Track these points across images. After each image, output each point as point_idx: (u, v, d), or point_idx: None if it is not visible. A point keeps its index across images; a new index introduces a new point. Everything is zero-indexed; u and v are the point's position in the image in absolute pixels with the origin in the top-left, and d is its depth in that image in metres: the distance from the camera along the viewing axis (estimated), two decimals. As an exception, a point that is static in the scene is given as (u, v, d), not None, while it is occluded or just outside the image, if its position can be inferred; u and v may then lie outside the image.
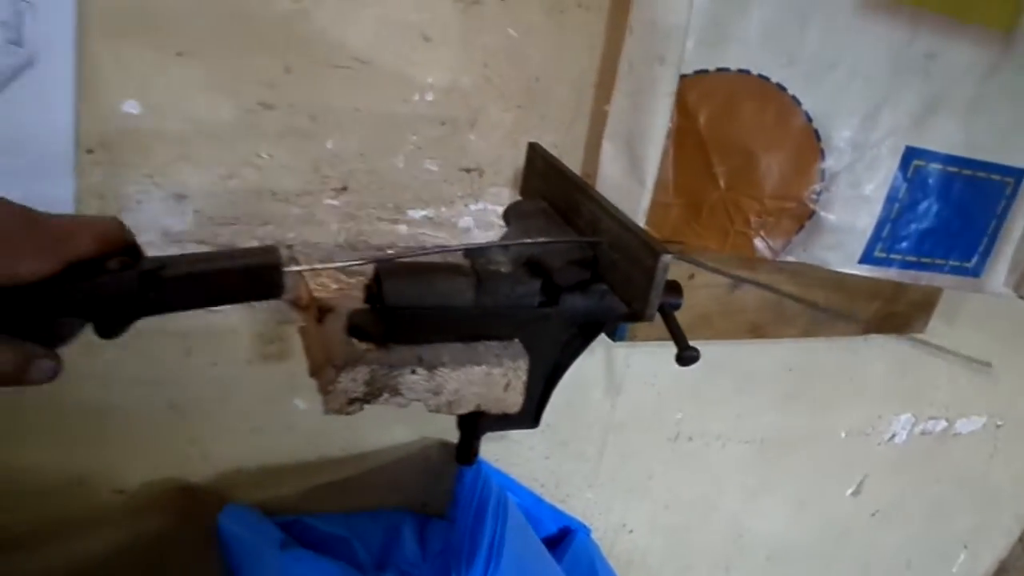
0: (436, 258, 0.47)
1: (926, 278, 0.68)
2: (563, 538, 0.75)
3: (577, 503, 0.76)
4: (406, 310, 0.45)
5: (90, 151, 0.50)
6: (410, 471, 0.68)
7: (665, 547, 0.86)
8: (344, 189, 0.56)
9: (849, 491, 0.96)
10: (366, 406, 0.46)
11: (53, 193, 0.51)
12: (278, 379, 0.60)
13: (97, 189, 0.51)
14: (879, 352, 0.86)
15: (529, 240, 0.49)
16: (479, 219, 0.61)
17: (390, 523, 0.67)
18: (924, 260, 0.66)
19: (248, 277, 0.39)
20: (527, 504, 0.72)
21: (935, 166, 0.63)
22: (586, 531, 0.76)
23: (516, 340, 0.49)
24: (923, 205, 0.64)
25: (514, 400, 0.49)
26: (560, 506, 0.74)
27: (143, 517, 0.62)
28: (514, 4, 0.55)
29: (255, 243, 0.56)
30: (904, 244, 0.65)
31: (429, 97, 0.56)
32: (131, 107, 0.50)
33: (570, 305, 0.49)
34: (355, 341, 0.46)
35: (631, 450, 0.77)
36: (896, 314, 0.81)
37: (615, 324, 0.54)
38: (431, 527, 0.68)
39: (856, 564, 1.03)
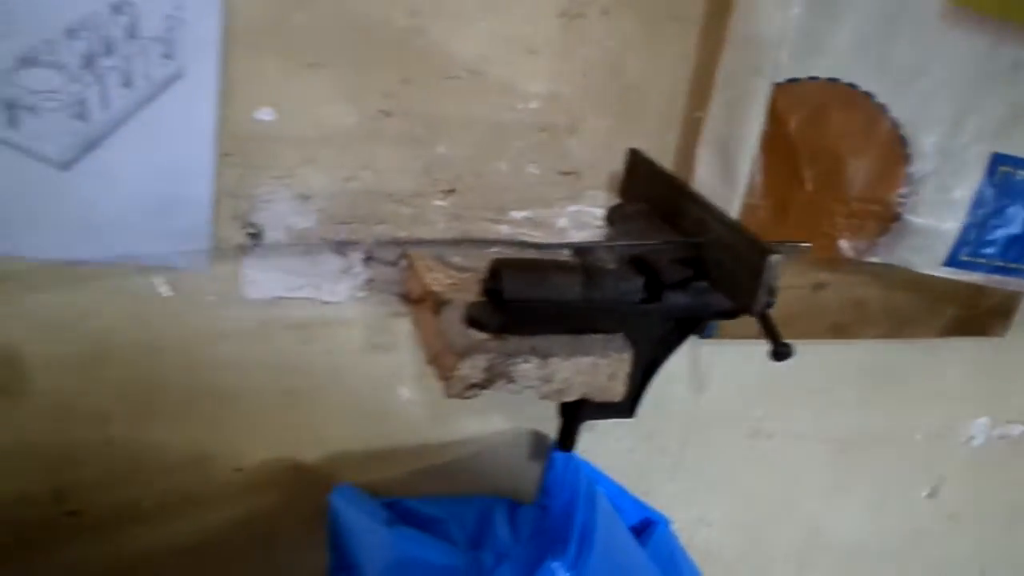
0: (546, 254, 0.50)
1: (1013, 283, 0.69)
2: (644, 529, 0.77)
3: (658, 496, 0.78)
4: (522, 303, 0.49)
5: (227, 154, 0.55)
6: (502, 459, 0.72)
7: (742, 542, 0.88)
8: (452, 191, 0.60)
9: (925, 494, 0.96)
10: (482, 392, 0.49)
11: (192, 192, 0.55)
12: (385, 369, 0.65)
13: (231, 189, 0.56)
14: (958, 355, 0.86)
15: (636, 242, 0.52)
16: (575, 220, 0.64)
17: (483, 507, 0.70)
18: (1011, 265, 0.67)
19: None
20: (611, 494, 0.75)
21: (1022, 172, 0.64)
22: (666, 523, 0.78)
23: (620, 333, 0.52)
24: (1010, 211, 0.65)
25: (618, 389, 0.52)
26: (642, 498, 0.77)
27: (258, 494, 0.66)
28: (615, 18, 0.59)
29: (370, 240, 0.60)
30: (990, 249, 0.66)
31: (532, 105, 0.60)
32: (265, 114, 0.55)
33: (671, 301, 0.52)
34: (473, 331, 0.50)
35: (712, 446, 0.80)
36: (976, 318, 0.81)
37: (710, 321, 0.57)
38: (521, 512, 0.71)
39: (930, 568, 1.03)
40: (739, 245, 0.46)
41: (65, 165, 0.53)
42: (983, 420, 0.94)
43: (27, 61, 0.50)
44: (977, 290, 0.76)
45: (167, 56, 0.52)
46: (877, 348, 0.81)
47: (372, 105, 0.56)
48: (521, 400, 0.62)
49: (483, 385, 0.49)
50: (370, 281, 0.61)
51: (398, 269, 0.61)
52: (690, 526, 0.83)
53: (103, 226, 0.55)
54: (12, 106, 0.50)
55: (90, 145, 0.53)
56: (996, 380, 0.91)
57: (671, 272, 0.50)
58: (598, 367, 0.51)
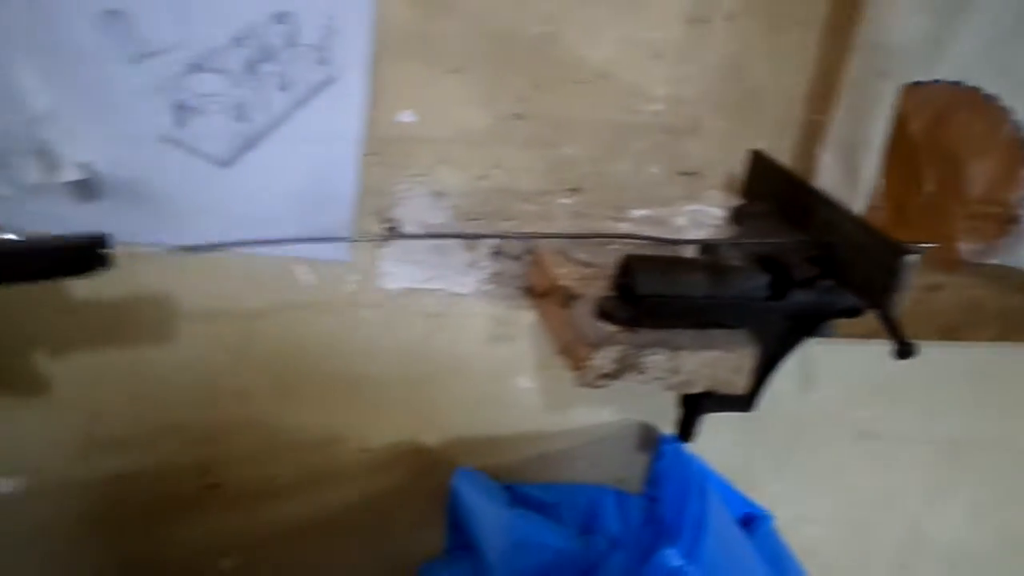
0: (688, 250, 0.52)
1: None
2: (748, 524, 0.79)
3: (762, 492, 0.79)
4: (652, 298, 0.51)
5: (370, 154, 0.59)
6: (612, 449, 0.74)
7: (844, 541, 0.88)
8: (576, 190, 0.63)
9: (1030, 502, 0.95)
10: (612, 382, 0.52)
11: (339, 189, 0.59)
12: (505, 359, 0.68)
13: (375, 186, 0.59)
14: (1073, 361, 0.85)
15: (765, 240, 0.54)
16: (693, 219, 0.66)
17: (593, 495, 0.73)
18: None
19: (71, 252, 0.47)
20: (718, 488, 0.76)
21: None
22: (769, 519, 0.79)
23: (744, 329, 0.54)
24: None
25: (741, 383, 0.54)
26: (747, 493, 0.78)
27: (382, 474, 0.70)
28: (738, 23, 0.60)
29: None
30: (1112, 252, 0.66)
31: (655, 108, 0.62)
32: (407, 116, 0.58)
33: (796, 299, 0.53)
34: (604, 324, 0.52)
35: (817, 444, 0.80)
36: (1093, 323, 0.80)
37: (832, 319, 0.58)
38: (629, 502, 0.73)
39: (1033, 577, 1.01)
40: (872, 245, 0.47)
41: (225, 163, 0.57)
42: (1095, 428, 0.92)
43: (195, 67, 0.54)
44: (1096, 295, 0.74)
45: (321, 62, 0.56)
46: (988, 351, 0.80)
47: (505, 108, 0.59)
48: (632, 392, 0.64)
49: (614, 375, 0.51)
50: (496, 275, 0.64)
51: (522, 264, 0.64)
52: (792, 523, 0.84)
53: (257, 219, 0.59)
54: (181, 108, 0.55)
55: (248, 145, 0.57)
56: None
57: (801, 270, 0.51)
58: (724, 361, 0.53)
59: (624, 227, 0.65)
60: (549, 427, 0.72)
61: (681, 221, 0.66)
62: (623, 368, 0.51)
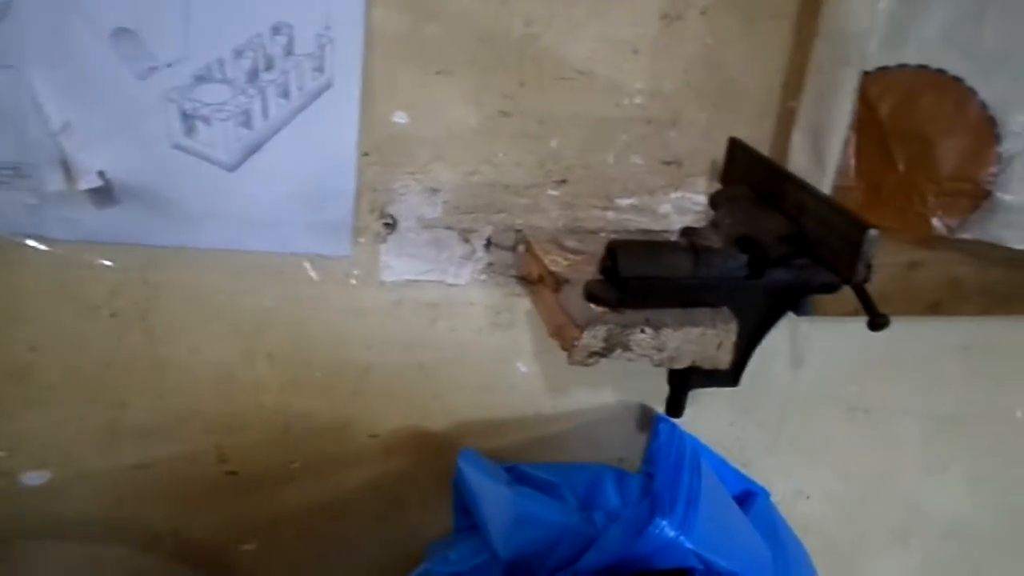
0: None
1: (1108, 257, 0.70)
2: (745, 499, 0.82)
3: (758, 468, 0.82)
4: (636, 279, 0.54)
5: (366, 154, 0.62)
6: (610, 430, 0.77)
7: (842, 515, 0.91)
8: (564, 182, 0.66)
9: (1026, 471, 0.97)
10: (601, 359, 0.55)
11: (339, 186, 0.63)
12: (504, 345, 0.71)
13: (371, 184, 0.63)
14: (1058, 333, 0.87)
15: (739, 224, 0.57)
16: (677, 206, 0.69)
17: (593, 473, 0.76)
18: (1106, 239, 0.69)
19: None
20: (713, 465, 0.79)
21: (1118, 148, 0.66)
22: (766, 494, 0.82)
23: (724, 307, 0.57)
24: (1107, 185, 0.67)
25: (725, 358, 0.57)
26: (742, 470, 0.81)
27: (390, 458, 0.74)
28: (712, 17, 0.63)
29: (490, 228, 0.66)
30: (1086, 223, 0.68)
31: (636, 101, 0.65)
32: (400, 117, 0.62)
33: (774, 277, 0.56)
34: (592, 305, 0.55)
35: (810, 420, 0.83)
36: (1077, 295, 0.82)
37: (809, 295, 0.61)
38: (628, 479, 0.76)
39: (1031, 546, 1.03)
40: (837, 222, 0.50)
41: (232, 167, 0.61)
42: (1086, 398, 0.94)
43: (201, 78, 0.58)
44: (1077, 267, 0.77)
45: (318, 69, 0.59)
46: (975, 325, 0.83)
47: (492, 106, 0.63)
48: (629, 373, 0.67)
49: (603, 353, 0.55)
50: (490, 265, 0.68)
51: (515, 254, 0.67)
52: (789, 498, 0.87)
53: (263, 219, 0.63)
54: (189, 117, 0.59)
55: (253, 149, 0.61)
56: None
57: (775, 249, 0.54)
58: (707, 337, 0.56)
59: (611, 216, 0.68)
60: (549, 409, 0.75)
61: (666, 208, 0.69)
62: (611, 346, 0.55)
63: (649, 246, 0.55)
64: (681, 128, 0.66)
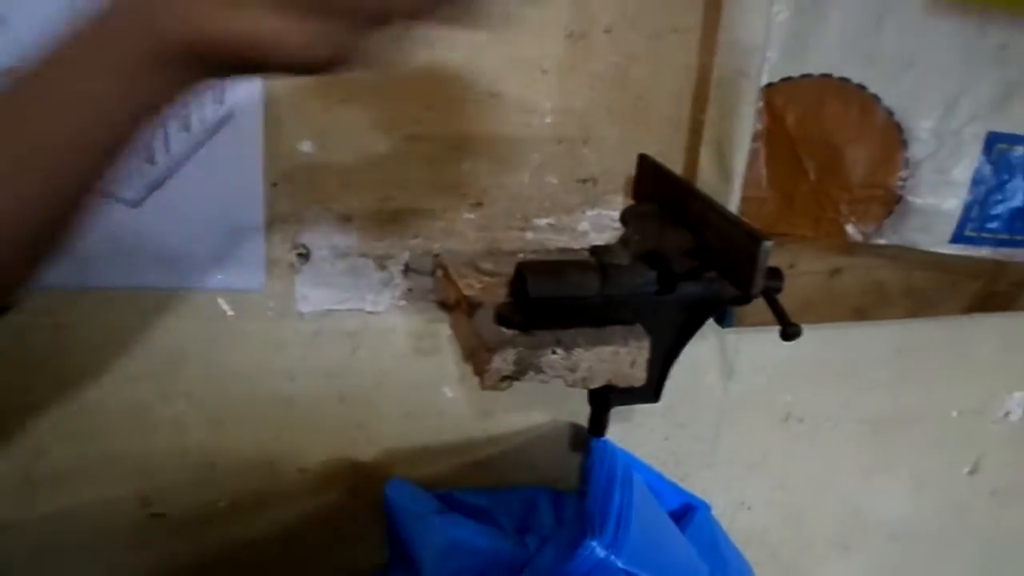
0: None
1: (1021, 255, 0.71)
2: (684, 513, 0.81)
3: (696, 481, 0.82)
4: (545, 300, 0.54)
5: (275, 184, 0.61)
6: (544, 451, 0.77)
7: (783, 525, 0.91)
8: (479, 204, 0.66)
9: (966, 470, 0.97)
10: (514, 383, 0.55)
11: (248, 219, 0.62)
12: (429, 371, 0.70)
13: (282, 215, 0.62)
14: (987, 331, 0.88)
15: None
16: (595, 223, 0.69)
17: (527, 497, 0.75)
18: (1017, 237, 0.70)
19: None
20: (650, 480, 0.79)
21: (1019, 148, 0.67)
22: (707, 507, 0.82)
23: (638, 324, 0.57)
24: (1010, 185, 0.68)
25: (639, 375, 0.56)
26: (680, 484, 0.81)
27: (321, 492, 0.72)
28: (616, 35, 0.64)
29: (407, 253, 0.66)
30: (995, 223, 0.69)
31: (547, 120, 0.65)
32: (306, 146, 0.61)
33: (684, 291, 0.56)
34: (503, 329, 0.55)
35: (745, 431, 0.83)
36: (1000, 293, 0.84)
37: (723, 308, 0.61)
38: (564, 500, 0.76)
39: (977, 544, 1.04)
40: (736, 235, 0.50)
41: (136, 203, 0.60)
42: (1020, 395, 0.95)
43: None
44: (998, 266, 0.78)
45: (218, 101, 0.59)
46: (904, 328, 0.83)
47: (401, 131, 0.62)
48: (559, 394, 0.67)
49: (514, 376, 0.54)
50: (409, 291, 0.67)
51: (434, 279, 0.67)
52: (730, 511, 0.86)
53: (171, 255, 0.62)
54: (89, 155, 0.57)
55: (155, 184, 0.60)
56: (1029, 354, 0.92)
57: (680, 263, 0.54)
58: (619, 355, 0.55)
59: (530, 236, 0.68)
60: (480, 434, 0.74)
61: (583, 226, 0.69)
62: (522, 369, 0.54)
63: (557, 266, 0.55)
64: (593, 145, 0.67)
